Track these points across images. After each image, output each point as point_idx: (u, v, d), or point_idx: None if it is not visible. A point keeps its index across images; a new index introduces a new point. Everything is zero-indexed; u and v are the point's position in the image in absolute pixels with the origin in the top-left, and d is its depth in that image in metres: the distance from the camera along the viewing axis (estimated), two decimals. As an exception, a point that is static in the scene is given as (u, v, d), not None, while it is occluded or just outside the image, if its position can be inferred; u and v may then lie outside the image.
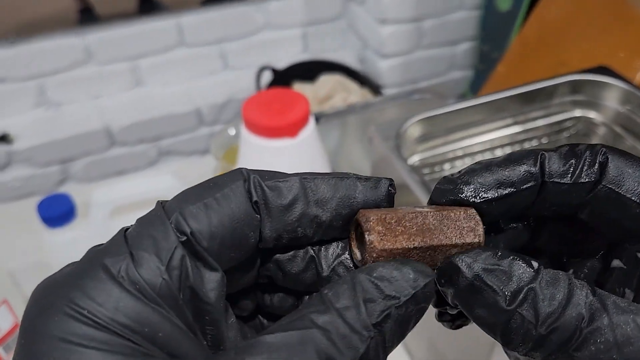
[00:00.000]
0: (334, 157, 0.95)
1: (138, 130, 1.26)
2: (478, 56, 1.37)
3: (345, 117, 1.01)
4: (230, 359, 0.18)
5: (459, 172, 0.24)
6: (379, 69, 1.31)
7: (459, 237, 0.22)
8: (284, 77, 1.26)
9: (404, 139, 0.62)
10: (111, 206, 0.66)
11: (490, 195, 0.23)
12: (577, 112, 0.71)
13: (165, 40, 1.26)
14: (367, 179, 0.23)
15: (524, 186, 0.22)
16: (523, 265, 0.21)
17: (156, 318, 0.18)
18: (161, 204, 0.21)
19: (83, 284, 0.18)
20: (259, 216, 0.21)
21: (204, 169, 0.92)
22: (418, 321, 0.21)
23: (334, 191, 0.22)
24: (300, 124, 0.65)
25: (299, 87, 1.24)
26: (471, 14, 1.31)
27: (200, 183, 0.22)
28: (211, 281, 0.20)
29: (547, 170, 0.22)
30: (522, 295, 0.20)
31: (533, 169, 0.22)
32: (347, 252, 0.23)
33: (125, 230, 0.20)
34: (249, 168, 0.22)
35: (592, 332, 0.20)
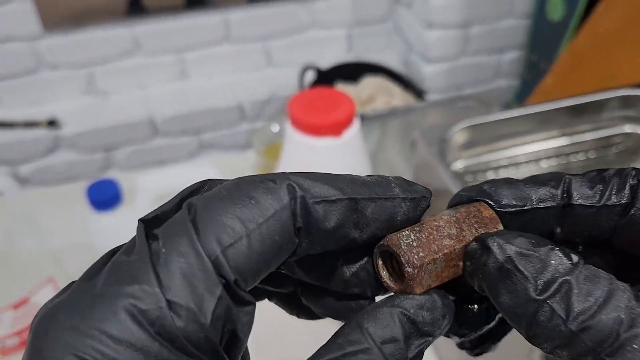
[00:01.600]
0: (372, 160, 0.95)
1: (181, 122, 1.28)
2: (525, 65, 1.35)
3: (387, 120, 1.01)
4: None
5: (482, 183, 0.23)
6: (423, 73, 1.30)
7: (484, 229, 0.21)
8: (327, 77, 1.26)
9: (448, 144, 0.62)
10: (155, 193, 0.67)
11: (506, 203, 0.22)
12: (627, 128, 0.70)
13: (212, 34, 1.27)
14: (411, 199, 0.21)
15: (543, 205, 0.21)
16: (561, 255, 0.19)
17: None
18: (189, 215, 0.18)
19: (107, 335, 0.16)
20: (297, 239, 0.19)
21: (244, 163, 0.93)
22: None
23: (379, 214, 0.21)
24: (345, 123, 0.65)
25: (342, 88, 1.24)
26: (521, 23, 1.29)
27: (234, 189, 0.19)
28: (246, 314, 0.18)
29: (573, 193, 0.21)
30: (555, 285, 0.19)
31: (555, 191, 0.21)
32: (369, 264, 0.22)
33: (150, 251, 0.17)
34: (292, 178, 0.19)
35: (630, 339, 0.18)
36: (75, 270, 0.71)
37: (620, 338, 0.18)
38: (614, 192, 0.21)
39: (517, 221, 0.22)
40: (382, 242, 0.21)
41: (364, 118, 0.98)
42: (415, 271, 0.20)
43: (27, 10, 1.13)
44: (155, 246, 0.17)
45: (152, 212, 0.19)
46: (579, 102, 0.67)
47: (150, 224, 0.18)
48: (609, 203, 0.21)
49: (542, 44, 1.26)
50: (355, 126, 0.67)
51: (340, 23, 1.35)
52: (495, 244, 0.20)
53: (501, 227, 0.22)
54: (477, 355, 0.24)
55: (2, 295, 0.61)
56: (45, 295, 0.63)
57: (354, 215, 0.20)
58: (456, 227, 0.21)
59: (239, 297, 0.18)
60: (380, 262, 0.21)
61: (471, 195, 0.22)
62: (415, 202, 0.21)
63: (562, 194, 0.21)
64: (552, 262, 0.19)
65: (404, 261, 0.20)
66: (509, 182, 0.22)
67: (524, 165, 0.67)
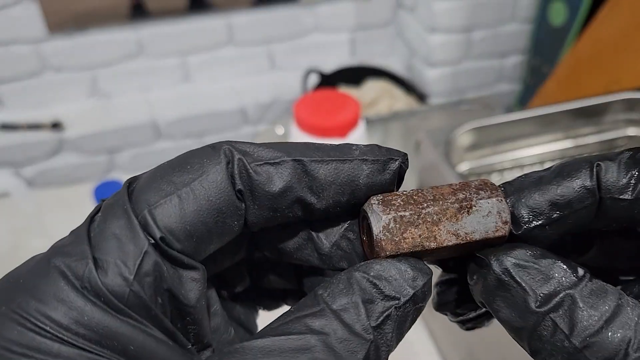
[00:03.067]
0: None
1: (184, 125, 1.28)
2: (528, 70, 1.35)
3: (389, 123, 1.01)
4: None
5: (507, 185, 0.21)
6: (425, 77, 1.31)
7: (478, 194, 0.20)
8: (330, 81, 1.27)
9: (453, 146, 0.62)
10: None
11: (542, 221, 0.20)
12: (631, 131, 0.70)
13: (215, 38, 1.28)
14: (374, 160, 0.19)
15: (580, 206, 0.20)
16: (565, 268, 0.18)
17: (126, 330, 0.16)
18: (127, 188, 0.18)
19: (37, 291, 0.16)
20: (243, 204, 0.18)
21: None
22: (415, 321, 0.19)
23: (334, 177, 0.19)
24: (351, 125, 0.65)
25: (345, 91, 1.25)
26: (523, 27, 1.30)
27: (175, 160, 0.19)
28: (190, 281, 0.18)
29: (604, 184, 0.19)
30: (557, 299, 0.18)
31: (588, 183, 0.19)
32: (350, 231, 0.21)
33: (90, 220, 0.18)
34: (232, 143, 0.19)
35: None
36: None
37: (629, 357, 0.17)
38: None
39: (554, 229, 0.20)
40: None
41: (367, 121, 0.98)
42: (379, 230, 0.19)
43: (33, 13, 1.13)
44: (96, 217, 0.18)
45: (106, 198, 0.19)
46: (583, 105, 0.67)
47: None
48: None
49: (545, 49, 1.26)
50: (360, 128, 0.67)
51: (343, 27, 1.36)
52: (493, 257, 0.19)
53: (500, 195, 0.20)
54: (468, 329, 0.23)
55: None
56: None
57: (304, 178, 0.19)
58: (442, 194, 0.20)
59: (171, 256, 0.17)
60: (361, 227, 0.20)
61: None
62: (380, 164, 0.20)
63: (596, 186, 0.19)
64: (556, 275, 0.18)
65: (369, 219, 0.19)
66: (538, 184, 0.20)
67: (528, 168, 0.67)
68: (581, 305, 0.17)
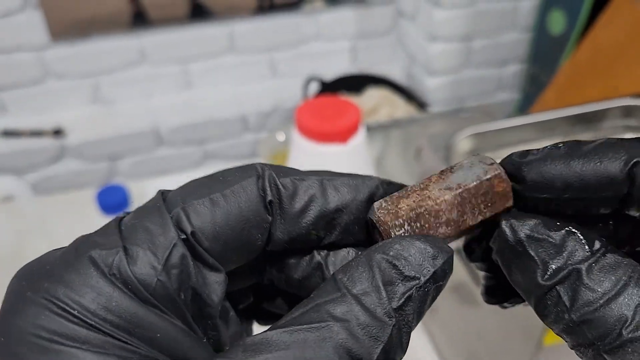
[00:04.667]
0: (375, 170, 0.96)
1: (185, 132, 1.29)
2: (527, 78, 1.36)
3: (389, 131, 1.02)
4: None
5: (535, 152, 0.21)
6: (426, 86, 1.32)
7: (490, 210, 0.20)
8: (330, 89, 1.27)
9: (454, 151, 0.63)
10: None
11: (550, 195, 0.20)
12: (629, 137, 0.71)
13: (217, 46, 1.29)
14: (389, 183, 0.21)
15: (597, 196, 0.19)
16: (580, 241, 0.18)
17: (153, 319, 0.17)
18: (162, 194, 0.19)
19: (68, 278, 0.17)
20: (270, 217, 0.19)
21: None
22: (435, 299, 0.19)
23: (355, 193, 0.20)
24: (352, 131, 0.66)
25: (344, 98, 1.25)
26: (522, 36, 1.31)
27: (210, 175, 0.20)
28: (214, 283, 0.18)
29: (637, 182, 0.19)
30: (564, 272, 0.18)
31: (616, 173, 0.19)
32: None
33: (120, 219, 0.19)
34: (265, 163, 0.20)
35: (633, 340, 0.17)
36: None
37: (621, 337, 0.17)
38: None
39: (570, 207, 0.20)
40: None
41: (367, 128, 0.99)
42: (375, 212, 0.19)
43: (36, 20, 1.14)
44: (125, 217, 0.19)
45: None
46: (581, 111, 0.68)
47: None
48: None
49: (544, 57, 1.27)
50: (361, 134, 0.68)
51: (344, 36, 1.37)
52: (508, 225, 0.19)
53: (510, 204, 0.20)
54: (504, 307, 0.23)
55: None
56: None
57: (328, 194, 0.20)
58: (458, 211, 0.20)
59: (199, 254, 0.18)
60: (373, 237, 0.21)
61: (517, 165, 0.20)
62: (396, 186, 0.21)
63: (626, 180, 0.19)
64: (569, 248, 0.18)
65: (369, 213, 0.20)
66: (567, 158, 0.20)
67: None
68: (586, 280, 0.18)
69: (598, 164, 0.19)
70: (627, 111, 0.69)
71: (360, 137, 0.67)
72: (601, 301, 0.17)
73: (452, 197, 0.19)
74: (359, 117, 0.66)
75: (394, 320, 0.17)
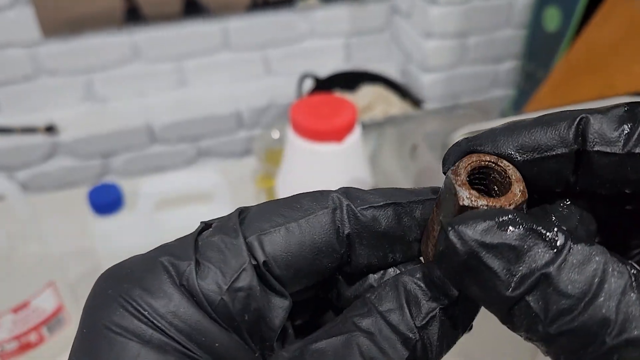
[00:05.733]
0: (369, 169, 0.96)
1: (179, 129, 1.28)
2: (522, 75, 1.36)
3: (384, 129, 1.01)
4: None
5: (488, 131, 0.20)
6: (421, 82, 1.31)
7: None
8: (325, 86, 1.27)
9: (450, 150, 0.62)
10: (157, 198, 0.67)
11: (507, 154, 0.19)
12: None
13: (211, 43, 1.28)
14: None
15: (551, 154, 0.18)
16: (542, 239, 0.16)
17: (213, 329, 0.18)
18: (239, 214, 0.20)
19: (143, 282, 0.18)
20: (342, 249, 0.20)
21: (245, 169, 0.93)
22: (469, 324, 0.19)
23: (423, 215, 0.21)
24: (347, 129, 0.65)
25: (339, 96, 1.25)
26: (517, 33, 1.31)
27: (286, 199, 0.21)
28: (278, 308, 0.19)
29: (591, 136, 0.17)
30: (531, 280, 0.16)
31: (564, 132, 0.18)
32: None
33: (200, 230, 0.20)
34: (337, 190, 0.21)
35: (618, 347, 0.15)
36: (77, 274, 0.71)
37: (605, 345, 0.15)
38: None
39: (525, 170, 0.19)
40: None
41: (362, 126, 0.98)
42: (422, 247, 0.21)
43: (27, 17, 1.13)
44: (206, 230, 0.20)
45: (214, 219, 0.21)
46: (578, 109, 0.67)
47: (207, 225, 0.21)
48: (636, 150, 0.17)
49: (539, 54, 1.27)
50: (357, 132, 0.67)
51: (338, 32, 1.36)
52: (454, 234, 0.17)
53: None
54: None
55: (2, 299, 0.61)
56: (45, 299, 0.63)
57: (404, 219, 0.20)
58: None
59: (267, 280, 0.19)
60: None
61: (468, 148, 0.20)
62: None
63: (576, 137, 0.18)
64: (531, 249, 0.16)
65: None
66: (511, 128, 0.19)
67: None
68: (558, 285, 0.15)
69: (544, 126, 0.18)
70: (624, 109, 0.68)
71: (356, 136, 0.66)
72: (579, 307, 0.15)
73: None
74: (354, 115, 0.66)
75: (417, 336, 0.18)
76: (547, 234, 0.16)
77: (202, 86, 1.33)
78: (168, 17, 1.23)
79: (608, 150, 0.17)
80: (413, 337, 0.18)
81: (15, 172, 1.20)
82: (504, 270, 0.16)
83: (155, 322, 0.18)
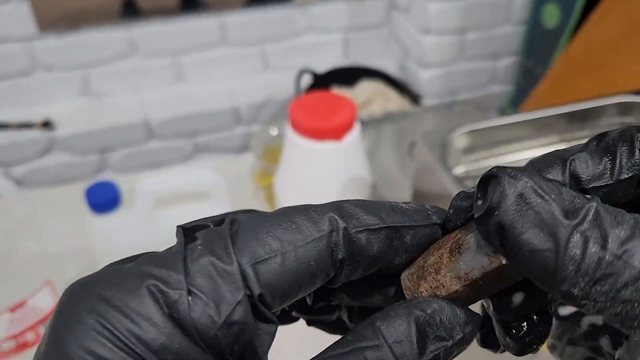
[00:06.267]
0: (368, 166, 0.95)
1: (176, 125, 1.27)
2: (520, 72, 1.36)
3: (382, 125, 1.01)
4: None
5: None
6: (419, 78, 1.31)
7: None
8: (323, 81, 1.26)
9: (449, 149, 0.62)
10: (154, 196, 0.67)
11: None
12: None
13: (208, 38, 1.27)
14: (440, 224, 0.21)
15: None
16: (574, 192, 0.17)
17: None
18: (231, 228, 0.19)
19: (130, 311, 0.17)
20: (334, 272, 0.19)
21: (243, 166, 0.93)
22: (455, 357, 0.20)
23: (418, 240, 0.21)
24: (346, 128, 0.65)
25: (338, 92, 1.24)
26: (516, 29, 1.30)
27: (280, 214, 0.19)
28: (264, 334, 0.18)
29: (583, 176, 0.19)
30: (583, 211, 0.17)
31: (560, 178, 0.19)
32: None
33: (185, 243, 0.18)
34: (331, 207, 0.20)
35: None
36: (74, 273, 0.71)
37: None
38: (624, 161, 0.18)
39: None
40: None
41: (360, 123, 0.98)
42: (404, 290, 0.21)
43: (23, 11, 1.12)
44: (192, 245, 0.18)
45: (192, 221, 0.20)
46: (578, 108, 0.67)
47: (188, 232, 0.19)
48: (622, 177, 0.18)
49: (537, 51, 1.27)
50: (356, 130, 0.67)
51: (336, 28, 1.35)
52: (509, 170, 0.17)
53: (508, 284, 0.20)
54: (502, 352, 0.22)
55: (-1, 298, 0.60)
56: (42, 298, 0.63)
57: (394, 242, 0.20)
58: (467, 295, 0.21)
59: (260, 312, 0.18)
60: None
61: (468, 215, 0.20)
62: (437, 228, 0.21)
63: (570, 180, 0.19)
64: (567, 192, 0.17)
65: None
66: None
67: (523, 171, 0.67)
68: (608, 217, 0.16)
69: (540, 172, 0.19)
70: (624, 108, 0.68)
71: (355, 134, 0.66)
72: (630, 231, 0.16)
73: (462, 288, 0.20)
74: (353, 113, 0.65)
75: None
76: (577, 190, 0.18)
77: (200, 82, 1.32)
78: (165, 11, 1.23)
79: (602, 183, 0.19)
80: None
81: (11, 168, 1.19)
82: (558, 200, 0.17)
83: (144, 356, 0.16)
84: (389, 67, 1.37)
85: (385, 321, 0.19)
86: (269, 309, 0.18)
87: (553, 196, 0.17)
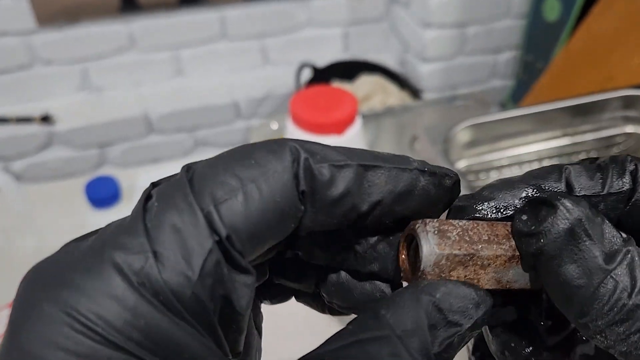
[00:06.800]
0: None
1: (176, 120, 1.27)
2: (521, 66, 1.35)
3: (383, 119, 1.01)
4: None
5: (480, 189, 0.21)
6: (419, 72, 1.30)
7: (513, 249, 0.19)
8: (323, 75, 1.26)
9: (451, 143, 0.62)
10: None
11: (511, 212, 0.19)
12: (629, 128, 0.70)
13: (208, 32, 1.27)
14: (431, 173, 0.19)
15: None
16: (614, 228, 0.18)
17: (181, 336, 0.15)
18: (187, 175, 0.17)
19: (90, 289, 0.15)
20: (303, 206, 0.17)
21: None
22: (467, 343, 0.19)
23: (394, 185, 0.18)
24: (348, 122, 0.64)
25: (338, 86, 1.24)
26: (517, 23, 1.30)
27: (238, 151, 0.18)
28: (243, 286, 0.16)
29: (574, 184, 0.20)
30: (620, 255, 0.17)
31: (558, 185, 0.20)
32: (391, 236, 0.20)
33: (144, 206, 0.16)
34: (297, 140, 0.18)
35: None
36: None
37: None
38: (615, 179, 0.19)
39: None
40: (410, 224, 0.19)
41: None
42: (429, 264, 0.18)
43: (22, 5, 1.11)
44: (149, 203, 0.16)
45: (162, 178, 0.18)
46: (581, 102, 0.67)
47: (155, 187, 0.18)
48: (612, 191, 0.19)
49: (538, 45, 1.26)
50: (357, 124, 0.67)
51: (336, 22, 1.35)
52: (565, 202, 0.18)
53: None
54: None
55: (-1, 293, 0.60)
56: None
57: (365, 184, 0.18)
58: (497, 236, 0.19)
59: (233, 257, 0.16)
60: (403, 245, 0.20)
61: (469, 214, 0.20)
62: (436, 178, 0.19)
63: (566, 187, 0.20)
64: (609, 232, 0.18)
65: (423, 248, 0.18)
66: (508, 183, 0.20)
67: (526, 165, 0.67)
68: (638, 261, 0.17)
69: (539, 180, 0.20)
70: (627, 102, 0.68)
71: (356, 128, 0.66)
72: None
73: (492, 290, 0.19)
74: (355, 107, 0.65)
75: None
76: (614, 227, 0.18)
77: (200, 76, 1.32)
78: (165, 5, 1.22)
79: (591, 193, 0.20)
80: None
81: (10, 163, 1.19)
82: (601, 242, 0.18)
83: (110, 337, 0.14)
84: (389, 61, 1.37)
85: (392, 309, 0.17)
86: (242, 255, 0.16)
87: (597, 236, 0.18)
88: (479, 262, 0.19)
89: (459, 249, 0.18)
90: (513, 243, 0.19)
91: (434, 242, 0.18)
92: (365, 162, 0.18)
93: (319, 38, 1.36)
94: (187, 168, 0.17)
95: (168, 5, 1.22)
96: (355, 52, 1.39)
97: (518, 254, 0.19)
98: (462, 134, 0.63)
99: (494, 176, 0.67)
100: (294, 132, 0.65)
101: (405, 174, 0.19)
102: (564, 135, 0.68)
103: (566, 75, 1.06)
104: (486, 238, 0.19)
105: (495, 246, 0.19)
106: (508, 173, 0.67)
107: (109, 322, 0.14)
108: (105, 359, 0.14)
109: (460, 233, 0.19)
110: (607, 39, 1.00)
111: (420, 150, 0.64)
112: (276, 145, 0.17)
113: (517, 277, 0.19)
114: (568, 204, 0.18)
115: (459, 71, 1.33)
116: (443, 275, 0.18)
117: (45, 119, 1.17)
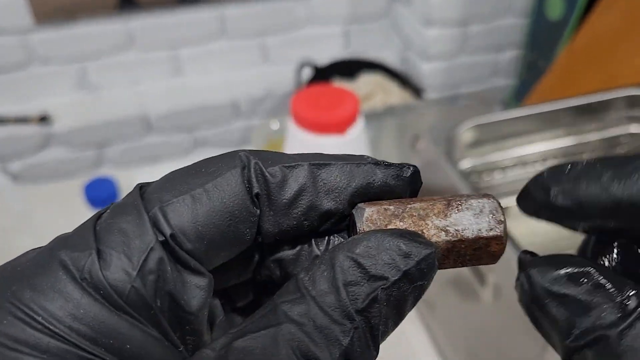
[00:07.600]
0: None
1: (175, 119, 1.26)
2: (524, 64, 1.34)
3: (384, 119, 1.00)
4: None
5: (569, 168, 0.19)
6: (420, 71, 1.29)
7: (477, 226, 0.19)
8: (324, 74, 1.25)
9: (455, 143, 0.61)
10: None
11: (588, 225, 0.19)
12: (633, 128, 0.69)
13: (207, 30, 1.26)
14: (387, 165, 0.19)
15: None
16: (610, 297, 0.17)
17: (124, 328, 0.16)
18: (140, 190, 0.18)
19: (36, 282, 0.16)
20: (258, 210, 0.18)
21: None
22: (418, 300, 0.17)
23: (348, 180, 0.19)
24: (350, 121, 0.63)
25: (339, 85, 1.23)
26: (519, 21, 1.29)
27: (191, 165, 0.19)
28: (194, 287, 0.17)
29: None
30: (591, 337, 0.17)
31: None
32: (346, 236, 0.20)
33: (98, 215, 0.17)
34: (248, 149, 0.19)
35: None
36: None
37: None
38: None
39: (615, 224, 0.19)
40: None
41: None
42: (362, 222, 0.18)
43: (19, 3, 1.10)
44: (103, 211, 0.18)
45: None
46: (585, 102, 0.66)
47: None
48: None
49: (541, 43, 1.25)
50: (359, 124, 0.66)
51: (337, 20, 1.34)
52: (524, 276, 0.18)
53: (493, 263, 0.19)
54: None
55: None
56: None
57: (319, 182, 0.18)
58: (443, 254, 0.19)
59: (180, 257, 0.17)
60: (352, 232, 0.19)
61: (544, 213, 0.20)
62: (393, 169, 0.19)
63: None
64: (596, 306, 0.17)
65: (353, 215, 0.19)
66: (598, 175, 0.18)
67: (530, 165, 0.66)
68: (616, 350, 0.16)
69: (634, 172, 0.18)
70: (632, 102, 0.67)
71: (358, 127, 0.65)
72: None
73: (444, 243, 0.18)
74: (357, 106, 0.64)
75: (356, 322, 0.16)
76: (620, 293, 0.17)
77: (199, 75, 1.31)
78: (163, 3, 1.21)
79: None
80: (351, 324, 0.16)
81: (8, 163, 1.18)
82: (566, 320, 0.17)
83: (52, 328, 0.15)
84: (390, 59, 1.36)
85: (309, 271, 0.17)
86: (194, 257, 0.17)
87: (563, 314, 0.17)
88: (414, 213, 0.18)
89: (389, 205, 0.19)
90: (448, 197, 0.19)
91: (362, 206, 0.19)
92: (316, 161, 0.18)
93: (319, 36, 1.35)
94: (141, 185, 0.18)
95: (167, 4, 1.21)
96: (355, 50, 1.38)
97: (456, 202, 0.19)
98: (466, 134, 0.62)
99: (497, 176, 0.66)
100: (295, 132, 0.64)
101: (359, 169, 0.19)
102: (569, 135, 0.67)
103: (569, 74, 1.05)
104: (418, 199, 0.19)
105: (427, 200, 0.19)
106: (512, 173, 0.66)
107: (53, 314, 0.15)
108: (44, 346, 0.15)
109: (392, 200, 0.19)
110: (611, 37, 0.99)
111: (423, 150, 0.63)
112: (227, 156, 0.18)
113: (464, 225, 0.18)
114: (530, 275, 0.18)
115: (461, 70, 1.32)
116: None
117: (43, 119, 1.16)
